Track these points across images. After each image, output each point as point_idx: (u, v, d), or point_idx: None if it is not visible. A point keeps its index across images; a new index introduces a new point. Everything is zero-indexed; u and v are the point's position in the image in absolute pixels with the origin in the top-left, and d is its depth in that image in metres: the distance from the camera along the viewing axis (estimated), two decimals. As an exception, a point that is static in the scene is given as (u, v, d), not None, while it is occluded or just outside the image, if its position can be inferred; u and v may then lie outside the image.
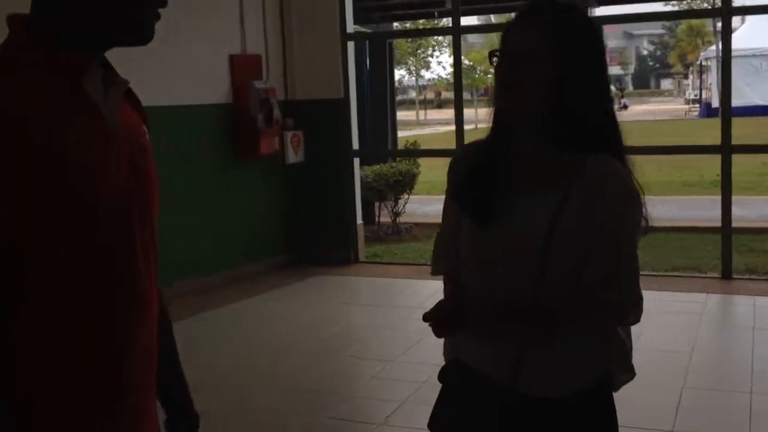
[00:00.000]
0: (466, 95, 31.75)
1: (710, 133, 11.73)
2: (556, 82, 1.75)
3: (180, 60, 6.75)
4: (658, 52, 57.89)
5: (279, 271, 7.68)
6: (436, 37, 34.06)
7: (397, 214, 9.93)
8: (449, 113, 20.67)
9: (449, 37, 10.03)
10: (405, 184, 9.67)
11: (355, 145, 8.12)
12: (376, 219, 10.04)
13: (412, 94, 44.60)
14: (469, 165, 1.87)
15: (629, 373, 1.85)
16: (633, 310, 1.76)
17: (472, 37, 36.49)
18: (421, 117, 37.98)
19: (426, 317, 1.73)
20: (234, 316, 6.41)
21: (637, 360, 1.85)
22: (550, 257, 1.72)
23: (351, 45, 8.03)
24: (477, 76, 32.28)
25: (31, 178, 1.21)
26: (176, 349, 1.70)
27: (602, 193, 1.73)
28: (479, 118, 23.81)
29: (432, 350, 5.10)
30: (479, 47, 33.21)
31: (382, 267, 8.13)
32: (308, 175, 7.88)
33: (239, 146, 7.41)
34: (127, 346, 1.37)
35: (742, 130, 8.48)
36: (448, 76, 32.94)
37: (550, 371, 1.75)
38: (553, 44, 1.75)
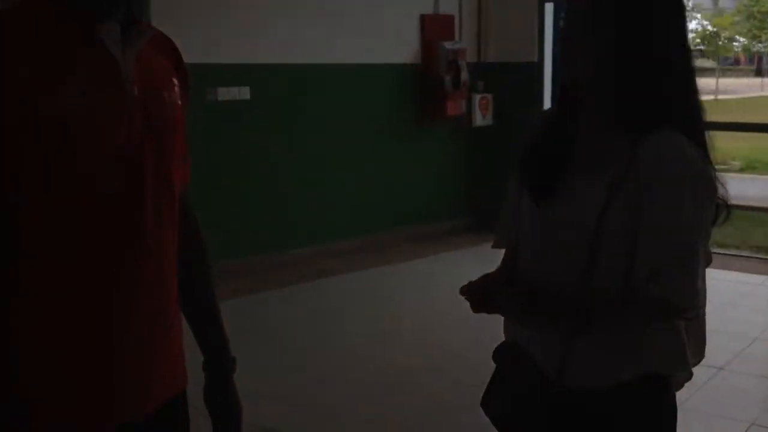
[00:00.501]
0: (709, 63, 29.72)
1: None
2: (615, 46, 1.58)
3: (371, 19, 6.90)
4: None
5: (459, 234, 7.69)
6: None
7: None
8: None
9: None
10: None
11: (547, 111, 7.87)
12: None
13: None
14: (533, 138, 1.76)
15: (683, 372, 1.70)
16: (688, 307, 1.59)
17: (724, 1, 33.86)
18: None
19: (462, 290, 1.68)
20: (411, 271, 6.56)
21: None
22: (600, 248, 1.58)
23: (549, 6, 7.76)
24: (721, 43, 30.07)
25: (16, 122, 1.29)
26: (210, 291, 1.72)
27: (653, 178, 1.55)
28: (720, 89, 22.26)
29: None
30: (731, 12, 30.78)
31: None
32: (495, 138, 7.78)
33: (425, 107, 7.47)
34: (126, 287, 1.41)
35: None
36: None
37: (592, 363, 1.64)
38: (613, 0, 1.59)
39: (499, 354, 1.82)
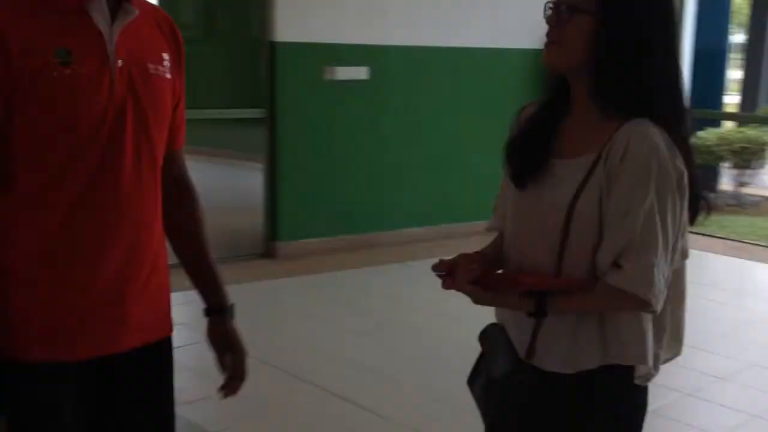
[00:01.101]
0: None
1: None
2: (596, 31, 1.59)
3: (499, 3, 6.76)
4: None
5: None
6: None
7: (741, 184, 9.04)
8: None
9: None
10: (753, 152, 8.73)
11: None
12: (717, 186, 9.23)
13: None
14: (520, 125, 1.79)
15: (645, 367, 1.66)
16: (643, 299, 1.57)
17: None
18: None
19: (433, 267, 1.70)
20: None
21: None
22: (570, 232, 1.62)
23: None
24: None
25: (12, 86, 1.44)
26: (206, 242, 1.86)
27: (619, 166, 1.56)
28: None
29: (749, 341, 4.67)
30: None
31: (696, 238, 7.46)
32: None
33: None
34: (99, 245, 1.56)
35: None
36: None
37: (557, 347, 1.67)
38: None
39: (483, 334, 1.84)
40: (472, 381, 1.87)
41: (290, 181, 6.14)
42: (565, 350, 1.66)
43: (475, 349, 1.84)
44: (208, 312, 1.87)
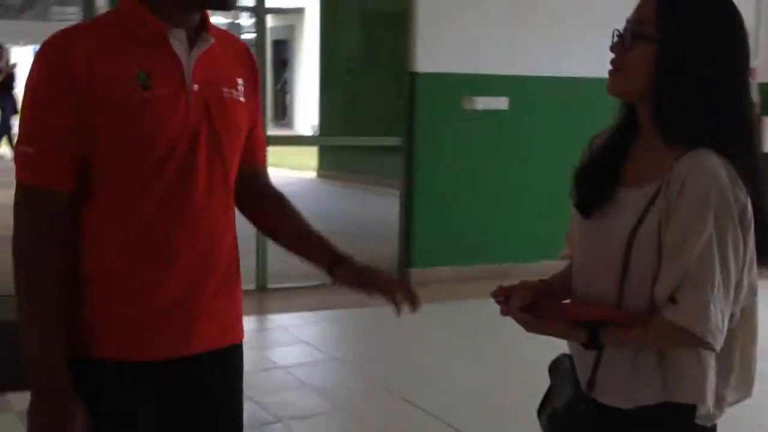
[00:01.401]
0: None
1: None
2: (657, 58, 1.57)
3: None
4: None
5: None
6: None
7: None
8: None
9: None
10: None
11: None
12: None
13: None
14: (590, 154, 1.78)
15: (702, 404, 1.58)
16: (698, 335, 1.51)
17: None
18: None
19: (492, 294, 1.71)
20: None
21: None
22: (631, 262, 1.59)
23: None
24: None
25: (94, 108, 1.56)
26: (305, 225, 1.89)
27: (678, 197, 1.53)
28: None
29: None
30: None
31: None
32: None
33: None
34: (173, 257, 1.65)
35: None
36: None
37: (617, 380, 1.64)
38: (657, 10, 1.58)
39: (553, 365, 1.84)
40: (541, 411, 1.85)
41: (426, 209, 6.20)
42: (624, 384, 1.62)
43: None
44: (332, 266, 1.82)
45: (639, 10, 1.63)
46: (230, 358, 1.82)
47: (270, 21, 22.28)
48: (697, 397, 1.57)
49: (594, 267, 1.67)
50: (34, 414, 1.57)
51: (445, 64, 6.08)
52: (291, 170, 13.23)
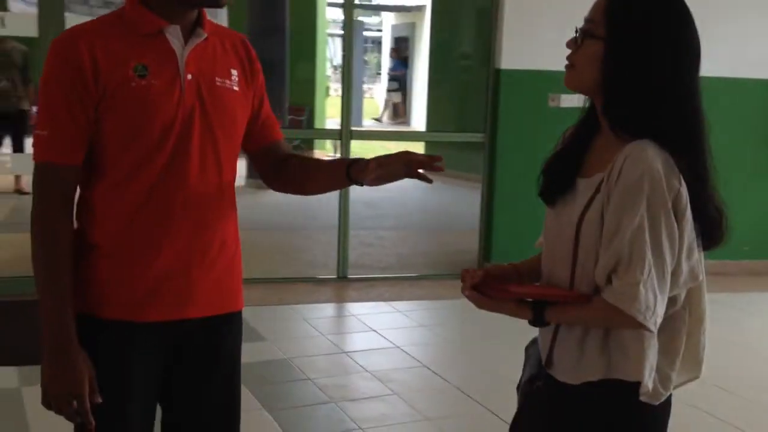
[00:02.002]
0: None
1: None
2: (604, 55, 1.66)
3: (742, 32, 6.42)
4: None
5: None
6: None
7: None
8: None
9: None
10: None
11: None
12: None
13: None
14: (557, 148, 1.87)
15: (650, 385, 1.66)
16: (633, 315, 1.59)
17: None
18: None
19: (462, 273, 1.81)
20: None
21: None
22: (579, 247, 1.69)
23: None
24: None
25: (99, 96, 1.76)
26: (312, 158, 2.18)
27: (615, 184, 1.61)
28: None
29: None
30: None
31: None
32: None
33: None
34: (168, 229, 1.84)
35: None
36: None
37: (568, 358, 1.73)
38: (606, 10, 1.67)
39: (530, 344, 1.94)
40: (518, 388, 1.94)
41: (507, 205, 6.23)
42: (573, 361, 1.71)
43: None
44: (348, 168, 1.91)
45: (592, 9, 1.71)
46: (227, 324, 1.98)
47: (392, 18, 22.56)
48: (635, 375, 1.64)
49: (554, 253, 1.77)
50: (45, 364, 1.78)
51: (530, 61, 6.09)
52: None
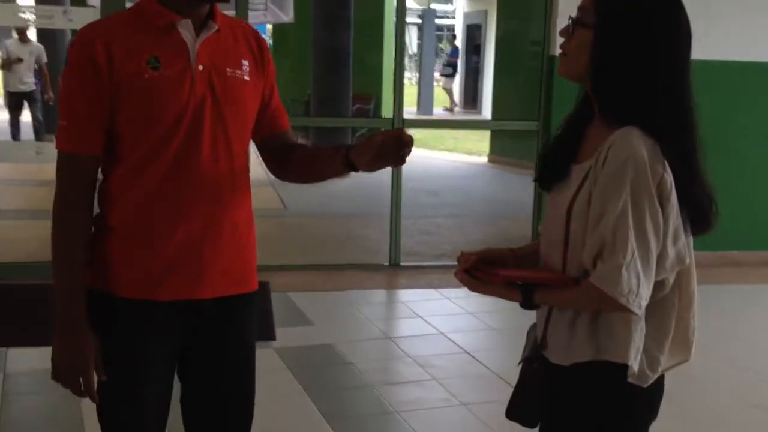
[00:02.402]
0: None
1: None
2: (594, 43, 1.69)
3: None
4: None
5: None
6: None
7: None
8: None
9: None
10: None
11: None
12: None
13: None
14: (555, 135, 1.90)
15: (637, 367, 1.69)
16: (615, 298, 1.62)
17: None
18: None
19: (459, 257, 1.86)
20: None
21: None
22: (570, 231, 1.72)
23: None
24: None
25: (114, 88, 1.86)
26: (312, 147, 2.27)
27: (601, 169, 1.64)
28: None
29: None
30: None
31: None
32: None
33: None
34: (180, 213, 1.93)
35: None
36: None
37: (559, 340, 1.77)
38: None
39: (531, 327, 1.97)
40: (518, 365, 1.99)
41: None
42: (564, 343, 1.75)
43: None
44: (346, 154, 1.95)
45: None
46: (240, 304, 2.05)
47: (465, 6, 22.48)
48: (622, 357, 1.67)
49: (549, 238, 1.80)
50: (55, 342, 1.90)
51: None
52: (467, 155, 13.48)
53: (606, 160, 1.62)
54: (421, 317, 5.06)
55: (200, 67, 1.90)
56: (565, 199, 1.73)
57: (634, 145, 1.60)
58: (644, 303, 1.63)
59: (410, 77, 22.67)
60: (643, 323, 1.67)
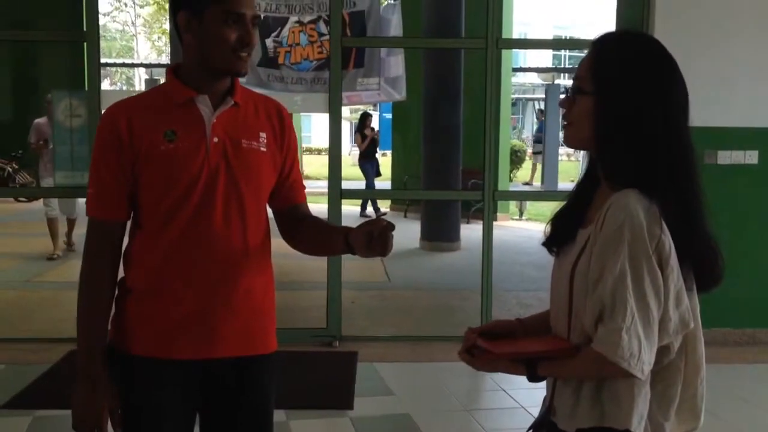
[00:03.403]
0: None
1: None
2: (594, 110, 1.70)
3: None
4: None
5: None
6: None
7: None
8: None
9: None
10: None
11: None
12: None
13: None
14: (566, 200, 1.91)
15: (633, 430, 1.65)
16: (616, 362, 1.59)
17: None
18: None
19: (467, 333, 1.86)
20: None
21: None
22: (573, 296, 1.71)
23: None
24: None
25: (134, 158, 2.02)
26: (321, 222, 2.28)
27: (599, 235, 1.64)
28: None
29: None
30: None
31: None
32: None
33: None
34: (191, 276, 2.04)
35: None
36: None
37: (564, 405, 1.75)
38: (591, 66, 1.71)
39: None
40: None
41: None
42: (569, 409, 1.73)
43: None
44: (346, 237, 2.01)
45: (579, 67, 1.75)
46: (257, 365, 2.13)
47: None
48: (624, 423, 1.64)
49: (555, 302, 1.80)
50: (75, 391, 2.03)
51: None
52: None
53: (603, 223, 1.62)
54: (503, 390, 4.98)
55: (215, 139, 2.03)
56: (569, 262, 1.73)
57: (631, 208, 1.60)
58: (647, 368, 1.60)
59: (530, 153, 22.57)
60: (647, 388, 1.64)
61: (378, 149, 15.51)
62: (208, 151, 2.02)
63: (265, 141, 2.11)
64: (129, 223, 2.11)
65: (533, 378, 1.71)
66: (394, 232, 1.90)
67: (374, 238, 1.89)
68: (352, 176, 14.50)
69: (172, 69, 2.11)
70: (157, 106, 2.06)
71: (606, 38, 1.75)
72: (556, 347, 1.71)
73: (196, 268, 2.03)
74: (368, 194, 14.01)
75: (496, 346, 1.77)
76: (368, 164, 14.57)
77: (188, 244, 2.02)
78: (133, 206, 2.07)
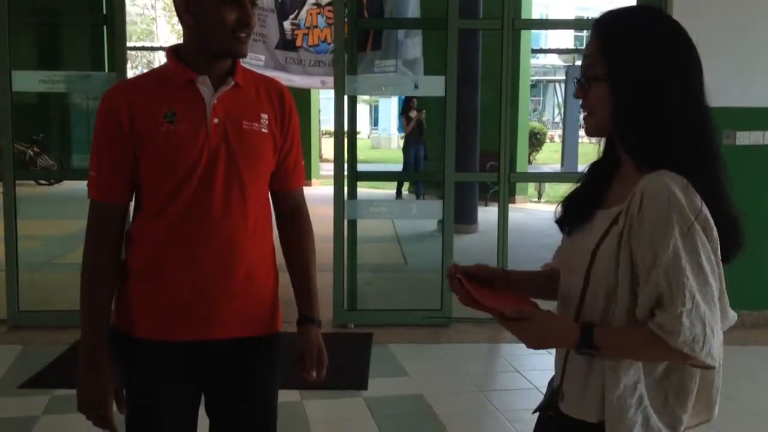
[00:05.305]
0: None
1: None
2: (611, 94, 1.66)
3: None
4: None
5: None
6: None
7: None
8: None
9: None
10: None
11: None
12: None
13: None
14: (581, 180, 1.87)
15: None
16: (677, 347, 1.54)
17: None
18: None
19: (452, 269, 1.82)
20: None
21: None
22: (591, 276, 1.68)
23: None
24: None
25: (134, 140, 2.02)
26: (308, 267, 2.27)
27: (640, 219, 1.58)
28: None
29: None
30: None
31: None
32: None
33: None
34: (192, 258, 2.04)
35: None
36: None
37: (571, 395, 1.74)
38: (600, 49, 1.67)
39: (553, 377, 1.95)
40: (533, 412, 1.95)
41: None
42: (575, 398, 1.72)
43: None
44: (301, 321, 2.22)
45: (587, 46, 1.71)
46: (260, 346, 2.14)
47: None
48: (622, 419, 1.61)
49: (568, 279, 1.77)
50: (79, 376, 2.05)
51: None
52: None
53: (642, 208, 1.57)
54: (518, 372, 4.99)
55: (215, 120, 2.01)
56: (587, 244, 1.69)
57: (670, 187, 1.56)
58: (717, 352, 1.53)
59: (551, 136, 22.46)
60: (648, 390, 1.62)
61: (424, 131, 14.24)
62: (208, 133, 2.01)
63: (267, 122, 2.10)
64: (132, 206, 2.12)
65: (585, 345, 1.62)
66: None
67: (305, 363, 2.17)
68: (394, 159, 13.72)
69: (172, 50, 2.09)
70: (157, 88, 2.05)
71: (611, 17, 1.70)
72: (500, 307, 1.67)
73: (196, 250, 2.03)
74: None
75: (483, 293, 1.74)
76: (414, 148, 13.96)
77: (188, 226, 2.02)
78: (134, 188, 2.07)
